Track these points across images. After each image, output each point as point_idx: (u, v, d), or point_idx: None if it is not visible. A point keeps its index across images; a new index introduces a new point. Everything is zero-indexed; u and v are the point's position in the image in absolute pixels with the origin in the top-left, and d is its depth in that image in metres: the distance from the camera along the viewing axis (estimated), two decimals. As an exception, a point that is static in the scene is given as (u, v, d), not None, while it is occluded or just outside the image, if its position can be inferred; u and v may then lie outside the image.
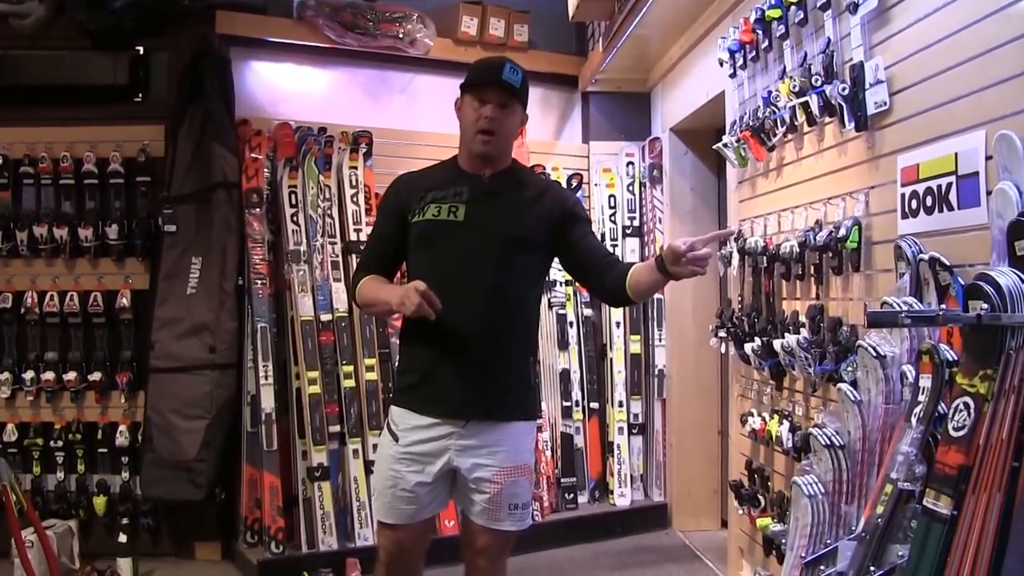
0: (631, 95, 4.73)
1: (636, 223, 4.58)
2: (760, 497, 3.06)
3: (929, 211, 2.00)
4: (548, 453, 4.30)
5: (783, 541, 2.54)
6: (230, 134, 3.85)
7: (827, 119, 2.52)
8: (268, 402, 3.73)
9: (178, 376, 3.73)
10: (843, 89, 2.34)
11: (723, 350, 3.43)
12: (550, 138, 4.78)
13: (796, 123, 2.68)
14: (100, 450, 3.90)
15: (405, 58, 4.36)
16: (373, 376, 3.87)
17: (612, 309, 4.49)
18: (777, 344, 2.76)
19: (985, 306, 1.50)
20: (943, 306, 1.82)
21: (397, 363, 3.69)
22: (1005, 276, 1.51)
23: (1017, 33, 1.72)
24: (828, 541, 2.05)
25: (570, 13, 4.37)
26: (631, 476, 4.47)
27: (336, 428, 3.80)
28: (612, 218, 4.58)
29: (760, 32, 2.90)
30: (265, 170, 3.87)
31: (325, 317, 3.82)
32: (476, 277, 2.18)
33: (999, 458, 1.43)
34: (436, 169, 2.39)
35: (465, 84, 2.24)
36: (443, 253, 2.22)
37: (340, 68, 4.36)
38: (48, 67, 3.87)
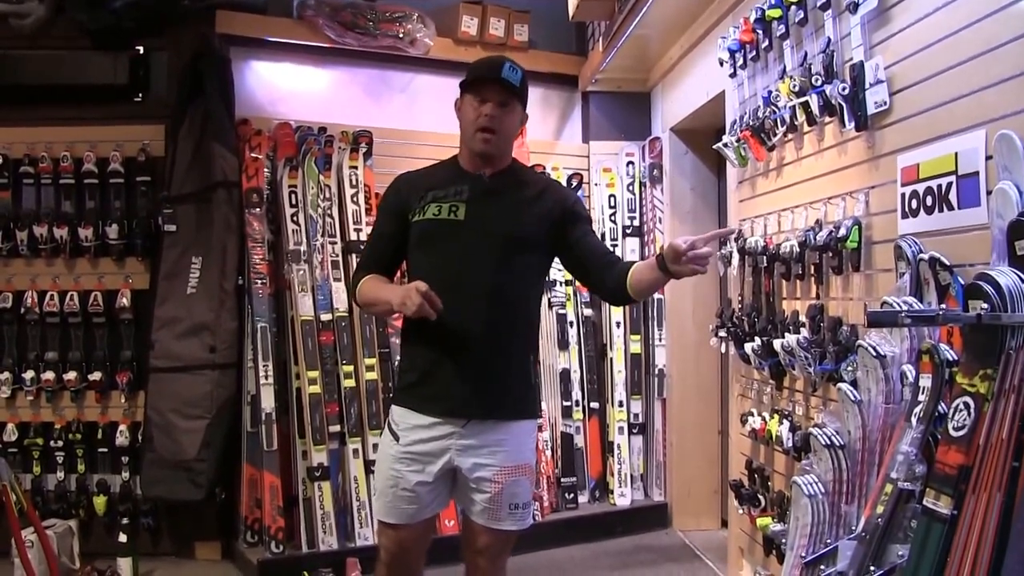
0: (631, 95, 4.73)
1: (636, 223, 4.58)
2: (760, 497, 3.06)
3: (929, 211, 2.00)
4: (548, 453, 4.30)
5: (783, 541, 2.54)
6: (230, 134, 3.85)
7: (827, 119, 2.52)
8: (268, 402, 3.74)
9: (178, 376, 3.73)
10: (843, 89, 2.34)
11: (723, 350, 3.43)
12: (550, 138, 4.78)
13: (796, 123, 2.68)
14: (100, 450, 3.90)
15: (405, 58, 4.36)
16: (373, 376, 3.87)
17: (612, 309, 4.49)
18: (777, 344, 2.76)
19: (985, 306, 1.50)
20: (943, 306, 1.82)
21: (398, 362, 3.72)
22: (1005, 276, 1.51)
23: (1017, 33, 1.72)
24: (828, 541, 2.05)
25: (570, 13, 4.37)
26: (631, 476, 4.48)
27: (336, 428, 3.80)
28: (612, 218, 4.58)
29: (760, 32, 2.90)
30: (265, 170, 3.87)
31: (325, 317, 3.82)
32: (476, 276, 2.19)
33: (999, 458, 1.43)
34: (436, 168, 2.39)
35: (464, 83, 2.24)
36: (443, 252, 2.22)
37: (340, 68, 4.36)
38: (48, 67, 3.86)
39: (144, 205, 3.93)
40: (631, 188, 4.61)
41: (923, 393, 1.75)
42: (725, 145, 3.28)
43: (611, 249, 2.68)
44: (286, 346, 3.85)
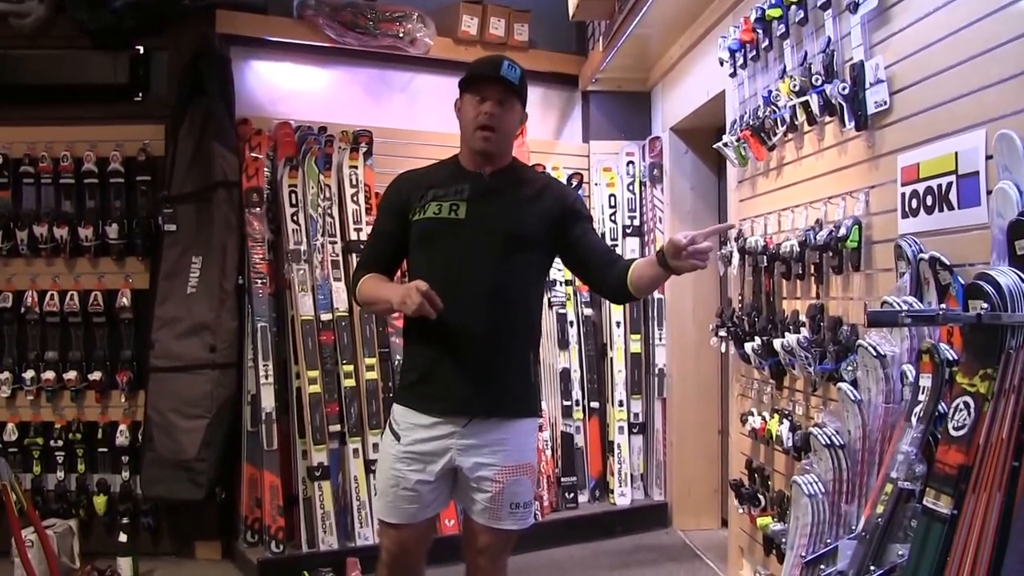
0: (631, 94, 4.73)
1: (636, 222, 4.58)
2: (760, 496, 3.06)
3: (929, 210, 2.00)
4: (548, 452, 4.30)
5: (783, 540, 2.54)
6: (230, 133, 3.85)
7: (827, 118, 2.52)
8: (268, 401, 3.74)
9: (178, 375, 3.73)
10: (843, 88, 2.34)
11: (723, 349, 3.43)
12: (550, 137, 4.78)
13: (796, 122, 2.68)
14: (100, 449, 3.90)
15: (405, 57, 4.35)
16: (373, 375, 3.87)
17: (612, 308, 4.49)
18: (777, 343, 2.76)
19: (985, 305, 1.50)
20: (943, 305, 1.82)
21: (399, 362, 3.72)
22: (1005, 275, 1.50)
23: (1017, 32, 1.72)
24: (828, 540, 2.05)
25: (570, 12, 4.36)
26: (631, 475, 4.48)
27: (336, 427, 3.80)
28: (612, 217, 4.58)
29: (760, 31, 2.90)
30: (265, 169, 3.87)
31: (325, 316, 3.82)
32: (477, 275, 2.19)
33: (999, 457, 1.43)
34: (437, 167, 2.39)
35: (464, 82, 2.25)
36: (444, 251, 2.22)
37: (340, 67, 4.36)
38: (48, 66, 3.86)
39: (144, 205, 3.93)
40: (631, 188, 4.61)
41: (923, 393, 1.75)
42: (725, 145, 3.28)
43: (612, 247, 2.68)
44: (286, 346, 3.85)
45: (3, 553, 3.45)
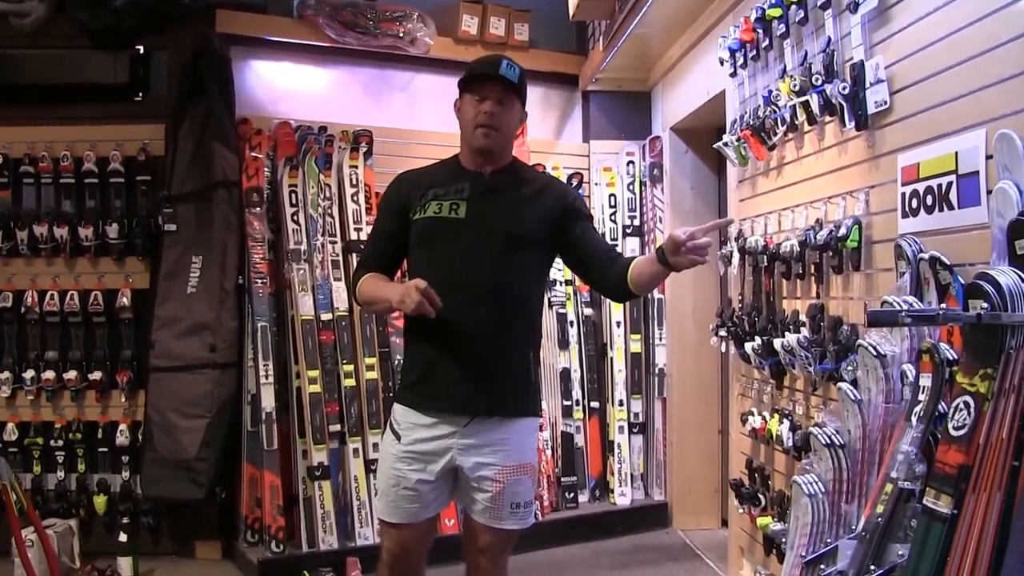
0: (632, 94, 4.73)
1: (636, 222, 4.58)
2: (760, 496, 3.06)
3: (929, 210, 2.00)
4: (548, 452, 4.30)
5: (783, 540, 2.54)
6: (230, 133, 3.85)
7: (827, 118, 2.52)
8: (268, 401, 3.74)
9: (178, 375, 3.73)
10: (843, 88, 2.34)
11: (723, 349, 3.44)
12: (551, 137, 4.78)
13: (796, 122, 2.68)
14: (100, 449, 3.90)
15: (405, 57, 4.35)
16: (373, 375, 3.87)
17: (612, 308, 4.49)
18: (777, 343, 2.76)
19: (985, 305, 1.50)
20: (943, 305, 1.82)
21: (400, 361, 3.72)
22: (1005, 275, 1.50)
23: (1017, 32, 1.72)
24: (828, 540, 2.05)
25: (571, 12, 4.36)
26: (631, 475, 4.48)
27: (336, 427, 3.80)
28: (612, 217, 4.58)
29: (760, 31, 2.90)
30: (265, 169, 3.87)
31: (325, 316, 3.82)
32: (477, 274, 2.19)
33: (999, 457, 1.43)
34: (437, 167, 2.39)
35: (463, 82, 2.25)
36: (444, 250, 2.22)
37: (340, 67, 4.36)
38: (48, 66, 3.86)
39: (144, 204, 3.93)
40: (631, 187, 4.61)
41: (923, 392, 1.75)
42: (725, 144, 3.28)
43: (612, 246, 2.68)
44: (286, 345, 3.85)
45: (3, 553, 3.45)
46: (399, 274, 2.48)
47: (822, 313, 2.56)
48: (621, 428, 4.48)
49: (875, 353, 1.98)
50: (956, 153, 1.90)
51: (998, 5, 1.79)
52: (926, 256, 1.93)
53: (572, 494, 4.39)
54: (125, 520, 3.73)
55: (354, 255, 3.84)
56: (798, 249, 2.64)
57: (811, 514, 2.09)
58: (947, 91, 1.97)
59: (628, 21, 3.82)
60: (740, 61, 3.11)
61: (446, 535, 3.57)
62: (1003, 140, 1.68)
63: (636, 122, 4.71)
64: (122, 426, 3.86)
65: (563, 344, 4.43)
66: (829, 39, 2.47)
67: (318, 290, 3.82)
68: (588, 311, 4.55)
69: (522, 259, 2.25)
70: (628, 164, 4.62)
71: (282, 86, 4.25)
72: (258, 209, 3.81)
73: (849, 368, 2.30)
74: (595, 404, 4.50)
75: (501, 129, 2.22)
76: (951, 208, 1.91)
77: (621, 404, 4.48)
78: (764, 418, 2.98)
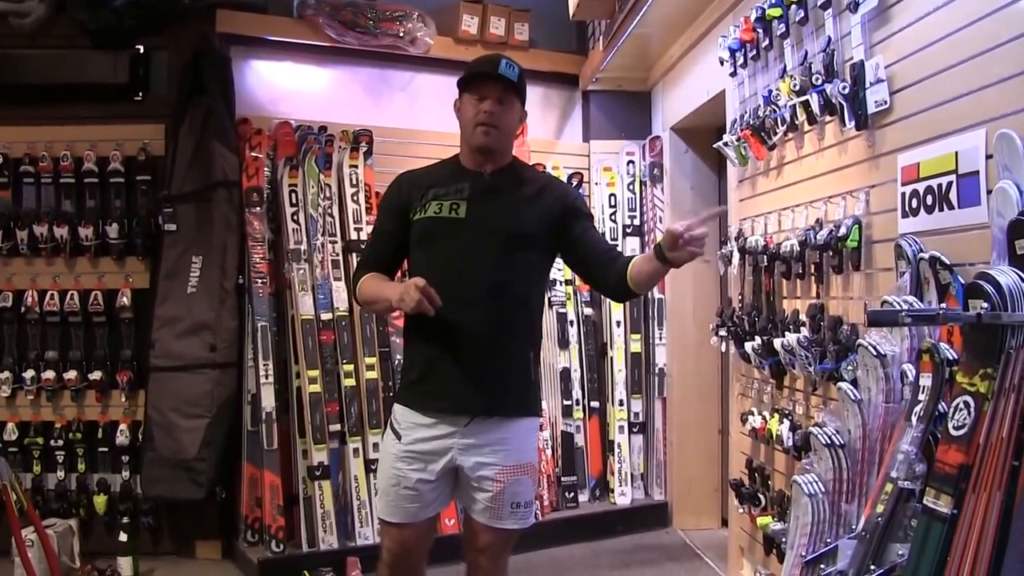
0: (632, 94, 4.73)
1: (636, 222, 4.58)
2: (760, 496, 3.06)
3: (929, 210, 2.00)
4: (549, 452, 4.30)
5: (783, 540, 2.54)
6: (230, 133, 3.85)
7: (827, 118, 2.52)
8: (268, 401, 3.74)
9: (179, 375, 3.73)
10: (843, 88, 2.34)
11: (723, 349, 3.43)
12: (551, 137, 4.78)
13: (796, 122, 2.68)
14: (100, 449, 3.90)
15: (405, 57, 4.35)
16: (373, 375, 3.87)
17: (613, 308, 4.49)
18: (777, 343, 2.76)
19: (985, 305, 1.50)
20: (943, 305, 1.82)
21: (400, 361, 3.72)
22: (1005, 275, 1.51)
23: (1017, 32, 1.72)
24: (828, 540, 2.05)
25: (571, 12, 4.36)
26: (632, 475, 4.48)
27: (336, 427, 3.80)
28: (612, 217, 4.58)
29: (761, 31, 2.90)
30: (265, 169, 3.87)
31: (325, 316, 3.82)
32: (477, 274, 2.19)
33: (999, 457, 1.43)
34: (438, 167, 2.39)
35: (462, 82, 2.25)
36: (444, 250, 2.22)
37: (340, 67, 4.36)
38: (48, 66, 3.86)
39: (144, 204, 3.93)
40: (631, 187, 4.61)
41: (923, 392, 1.76)
42: (725, 144, 3.28)
43: (612, 245, 2.68)
44: (286, 345, 3.85)
45: (3, 553, 3.45)
46: (399, 274, 2.47)
47: (822, 313, 2.56)
48: (621, 428, 4.48)
49: (875, 353, 1.98)
50: (956, 153, 1.90)
51: (998, 5, 1.79)
52: (926, 256, 1.93)
53: (572, 494, 4.39)
54: (125, 520, 3.73)
55: (354, 255, 3.84)
56: (798, 249, 2.64)
57: (811, 514, 2.09)
58: (947, 91, 1.97)
59: (628, 21, 3.82)
60: (740, 61, 3.11)
61: (446, 535, 3.57)
62: (1003, 140, 1.68)
63: (636, 122, 4.71)
64: (122, 426, 3.86)
65: (563, 344, 4.43)
66: (829, 39, 2.47)
67: (318, 290, 3.82)
68: (588, 311, 4.55)
69: (522, 259, 2.25)
70: (628, 164, 4.62)
71: (282, 86, 4.25)
72: (258, 209, 3.81)
73: (849, 368, 2.30)
74: (595, 404, 4.50)
75: (501, 128, 2.23)
76: (951, 208, 1.91)
77: (621, 404, 4.48)
78: (764, 418, 2.98)
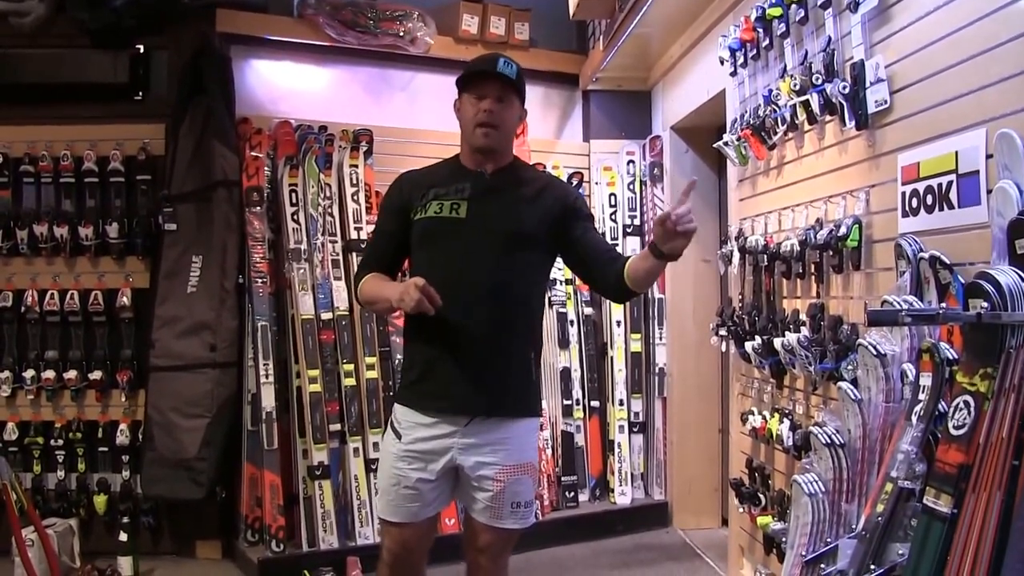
0: (632, 93, 4.73)
1: (637, 222, 4.58)
2: (761, 495, 3.06)
3: (929, 209, 2.00)
4: (549, 451, 4.30)
5: (784, 539, 2.54)
6: (230, 132, 3.85)
7: (828, 117, 2.52)
8: (269, 401, 3.74)
9: (179, 375, 3.73)
10: (844, 87, 2.34)
11: (723, 348, 3.43)
12: (551, 136, 4.78)
13: (797, 121, 2.68)
14: (101, 449, 3.90)
15: (406, 56, 4.35)
16: (374, 374, 3.87)
17: (613, 307, 4.49)
18: (777, 342, 2.76)
19: (985, 304, 1.50)
20: (943, 305, 1.82)
21: (400, 361, 3.72)
22: (1005, 275, 1.50)
23: (1017, 32, 1.72)
24: (828, 539, 2.05)
25: (571, 11, 4.36)
26: (632, 474, 4.48)
27: (337, 427, 3.80)
28: (613, 216, 4.58)
29: (761, 30, 2.90)
30: (265, 168, 3.87)
31: (326, 315, 3.82)
32: (478, 274, 2.19)
33: (999, 456, 1.43)
34: (438, 167, 2.39)
35: (461, 81, 2.25)
36: (445, 250, 2.22)
37: (340, 66, 4.36)
38: (48, 66, 3.86)
39: (144, 204, 3.93)
40: (632, 187, 4.61)
41: (923, 392, 1.76)
42: (726, 144, 3.28)
43: (612, 246, 2.68)
44: (286, 345, 3.85)
45: (3, 552, 3.45)
46: (399, 274, 2.47)
47: (822, 312, 2.56)
48: (621, 427, 4.48)
49: (875, 352, 1.98)
50: (956, 152, 1.90)
51: (998, 5, 1.79)
52: (926, 255, 1.93)
53: (572, 493, 4.39)
54: (125, 520, 3.73)
55: (354, 254, 3.85)
56: (798, 248, 2.64)
57: (811, 513, 2.09)
58: (947, 90, 1.97)
59: (628, 20, 3.82)
60: (740, 60, 3.11)
61: (446, 534, 3.57)
62: (1003, 139, 1.68)
63: (636, 121, 4.71)
64: (122, 425, 3.86)
65: (563, 343, 4.43)
66: (829, 38, 2.47)
67: (318, 289, 3.82)
68: (588, 310, 4.55)
69: (523, 259, 2.25)
70: (628, 163, 4.62)
71: (282, 85, 4.25)
72: (258, 208, 3.81)
73: (849, 367, 2.30)
74: (595, 403, 4.50)
75: (501, 127, 2.23)
76: (951, 207, 1.91)
77: (621, 403, 4.49)
78: (764, 417, 2.98)
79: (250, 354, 3.80)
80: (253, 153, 3.85)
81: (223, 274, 3.77)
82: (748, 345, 3.04)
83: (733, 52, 3.15)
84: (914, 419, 1.76)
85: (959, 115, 1.91)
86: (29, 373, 3.82)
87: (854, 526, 1.94)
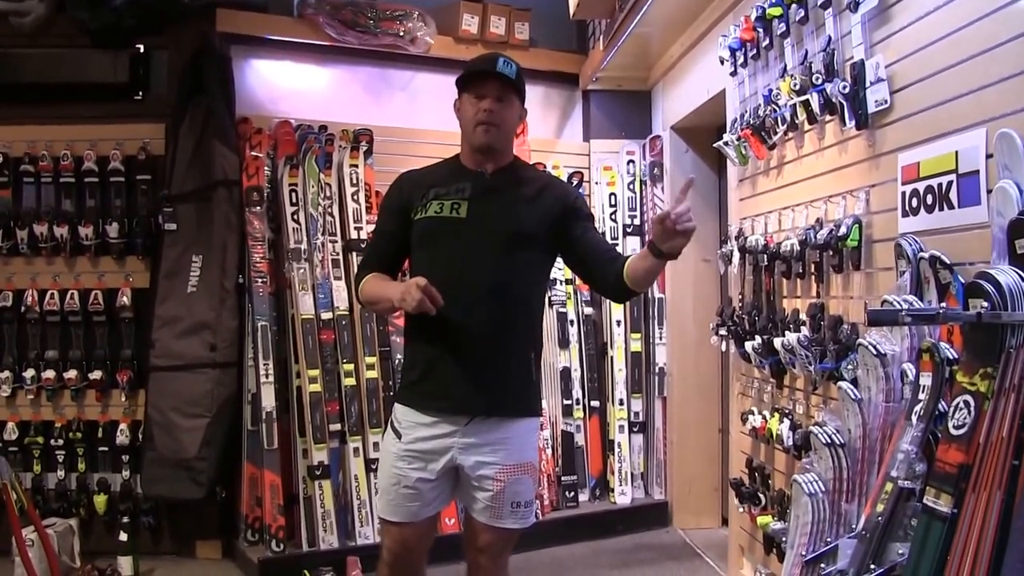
0: (632, 93, 4.73)
1: (637, 221, 4.58)
2: (761, 495, 3.06)
3: (929, 209, 2.00)
4: (549, 451, 4.30)
5: (784, 539, 2.54)
6: (231, 132, 3.85)
7: (828, 117, 2.52)
8: (269, 400, 3.74)
9: (179, 374, 3.73)
10: (844, 87, 2.34)
11: (724, 348, 3.43)
12: (551, 136, 4.78)
13: (797, 121, 2.68)
14: (101, 448, 3.90)
15: (406, 56, 4.35)
16: (374, 374, 3.87)
17: (613, 307, 4.49)
18: (777, 342, 2.76)
19: (985, 304, 1.50)
20: (943, 304, 1.82)
21: (400, 361, 3.72)
22: (1005, 274, 1.51)
23: (1017, 32, 1.73)
24: (828, 539, 2.05)
25: (571, 11, 4.36)
26: (632, 474, 4.48)
27: (337, 426, 3.80)
28: (613, 216, 4.58)
29: (761, 30, 2.90)
30: (265, 168, 3.87)
31: (326, 315, 3.82)
32: (478, 274, 2.19)
33: (999, 456, 1.43)
34: (439, 166, 2.39)
35: (461, 81, 2.26)
36: (445, 250, 2.22)
37: (340, 66, 4.36)
38: (48, 65, 3.86)
39: (144, 204, 3.93)
40: (632, 186, 4.61)
41: (923, 391, 1.76)
42: (726, 143, 3.28)
43: (612, 246, 2.68)
44: (287, 344, 3.85)
45: (4, 552, 3.45)
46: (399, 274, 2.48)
47: (822, 312, 2.56)
48: (621, 427, 4.48)
49: (875, 352, 1.98)
50: (956, 152, 1.90)
51: (998, 5, 1.79)
52: (926, 255, 1.93)
53: (572, 493, 4.39)
54: (125, 519, 3.73)
55: (354, 254, 3.85)
56: (798, 248, 2.64)
57: (811, 513, 2.09)
58: (947, 90, 1.97)
59: (628, 20, 3.82)
60: (740, 60, 3.11)
61: (446, 534, 3.57)
62: (1003, 139, 1.68)
63: (636, 121, 4.71)
64: (122, 425, 3.86)
65: (563, 343, 4.43)
66: (829, 38, 2.47)
67: (318, 289, 3.82)
68: (588, 310, 4.55)
69: (523, 259, 2.25)
70: (628, 163, 4.62)
71: (282, 85, 4.25)
72: (258, 208, 3.81)
73: (849, 367, 2.30)
74: (595, 403, 4.50)
75: (501, 126, 2.23)
76: (951, 207, 1.91)
77: (621, 403, 4.49)
78: (764, 417, 2.98)
79: (250, 354, 3.80)
80: (253, 153, 3.85)
81: (223, 274, 3.77)
82: (748, 345, 3.04)
83: (733, 52, 3.15)
84: (914, 419, 1.76)
85: (959, 115, 1.91)
86: (29, 373, 3.82)
87: (854, 526, 1.94)
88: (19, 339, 3.88)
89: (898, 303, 1.87)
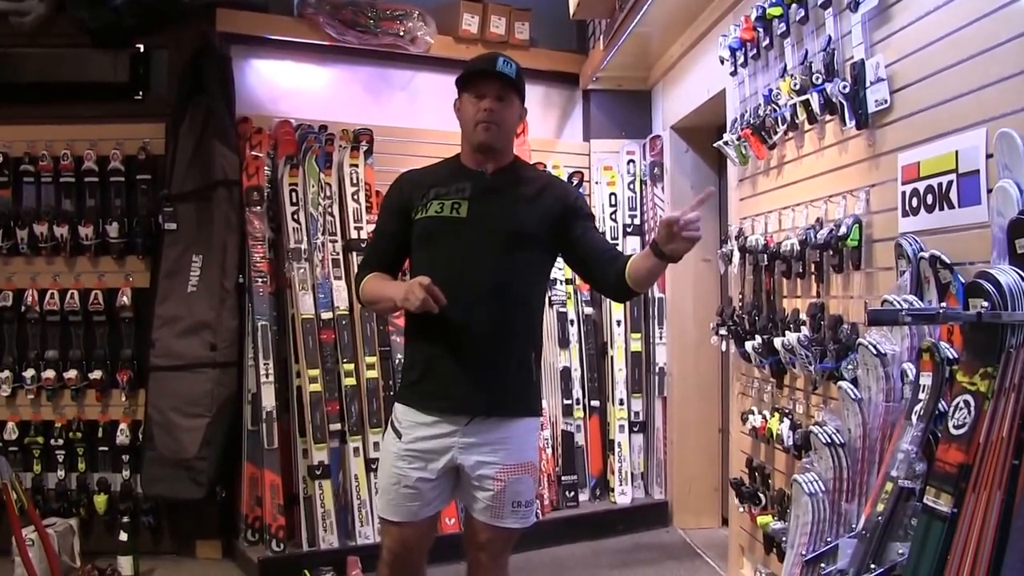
0: (632, 93, 4.73)
1: (637, 221, 4.59)
2: (761, 495, 3.06)
3: (930, 209, 2.00)
4: (549, 451, 4.30)
5: (784, 539, 2.54)
6: (231, 132, 3.85)
7: (828, 117, 2.52)
8: (269, 400, 3.74)
9: (179, 374, 3.73)
10: (844, 87, 2.34)
11: (724, 348, 3.43)
12: (551, 136, 4.78)
13: (797, 121, 2.68)
14: (101, 448, 3.90)
15: (406, 56, 4.35)
16: (374, 374, 3.87)
17: (613, 307, 4.49)
18: (778, 342, 2.76)
19: (985, 304, 1.50)
20: (943, 304, 1.82)
21: (400, 360, 3.72)
22: (1005, 274, 1.51)
23: (1017, 31, 1.72)
24: (829, 539, 2.05)
25: (571, 11, 4.36)
26: (632, 474, 4.48)
27: (337, 426, 3.80)
28: (613, 216, 4.58)
29: (761, 30, 2.90)
30: (266, 168, 3.87)
31: (326, 315, 3.82)
32: (478, 274, 2.19)
33: (999, 456, 1.43)
34: (439, 166, 2.39)
35: (461, 80, 2.26)
36: (446, 250, 2.23)
37: (341, 66, 4.36)
38: (48, 65, 3.86)
39: (144, 203, 3.93)
40: (632, 186, 4.61)
41: (923, 391, 1.76)
42: (726, 143, 3.28)
43: (613, 245, 2.68)
44: (287, 344, 3.85)
45: (4, 552, 3.46)
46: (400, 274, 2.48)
47: (822, 312, 2.56)
48: (621, 427, 4.48)
49: (875, 352, 1.98)
50: (956, 152, 1.90)
51: (998, 5, 1.79)
52: (926, 255, 1.93)
53: (572, 493, 4.39)
54: (125, 519, 3.73)
55: (354, 254, 3.85)
56: (798, 248, 2.64)
57: (811, 513, 2.09)
58: (947, 90, 1.97)
59: (628, 20, 3.82)
60: (740, 60, 3.11)
61: (447, 534, 3.58)
62: (1003, 139, 1.68)
63: (636, 121, 4.71)
64: (122, 425, 3.86)
65: (563, 343, 4.43)
66: (829, 38, 2.47)
67: (318, 289, 3.82)
68: (588, 310, 4.55)
69: (523, 259, 2.25)
70: (628, 163, 4.62)
71: (282, 85, 4.25)
72: (258, 208, 3.81)
73: (849, 367, 2.30)
74: (595, 403, 4.50)
75: (501, 125, 2.23)
76: (951, 207, 1.91)
77: (621, 403, 4.49)
78: (764, 417, 2.98)
79: (250, 354, 3.80)
80: (253, 152, 3.85)
81: (223, 273, 3.77)
82: (748, 345, 3.04)
83: (733, 52, 3.15)
84: (914, 418, 1.76)
85: (959, 115, 1.91)
86: (29, 373, 3.82)
87: (854, 525, 1.94)
88: (19, 339, 3.88)
89: (898, 303, 1.87)
